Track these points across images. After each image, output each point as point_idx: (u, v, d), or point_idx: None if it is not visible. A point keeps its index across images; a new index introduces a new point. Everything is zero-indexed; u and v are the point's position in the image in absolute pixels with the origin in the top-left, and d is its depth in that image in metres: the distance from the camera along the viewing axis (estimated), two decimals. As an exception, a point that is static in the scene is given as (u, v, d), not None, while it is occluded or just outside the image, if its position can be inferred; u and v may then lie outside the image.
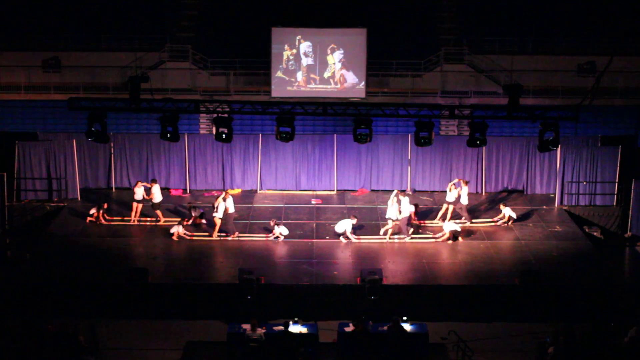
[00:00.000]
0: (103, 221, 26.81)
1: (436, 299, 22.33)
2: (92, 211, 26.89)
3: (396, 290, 22.33)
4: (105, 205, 27.14)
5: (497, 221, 27.11)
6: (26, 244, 25.27)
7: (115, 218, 27.21)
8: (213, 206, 25.95)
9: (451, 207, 26.82)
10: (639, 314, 20.59)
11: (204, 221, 26.80)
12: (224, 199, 25.65)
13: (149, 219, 27.12)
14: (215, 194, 27.84)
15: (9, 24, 30.69)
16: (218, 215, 25.61)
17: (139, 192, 26.86)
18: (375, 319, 20.19)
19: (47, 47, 30.03)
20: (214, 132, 22.59)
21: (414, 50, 30.49)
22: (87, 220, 26.82)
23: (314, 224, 27.21)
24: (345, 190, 30.51)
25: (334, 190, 30.45)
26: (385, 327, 19.50)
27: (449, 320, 21.31)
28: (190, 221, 26.66)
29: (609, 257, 25.26)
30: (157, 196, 26.76)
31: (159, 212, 26.88)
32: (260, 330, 19.31)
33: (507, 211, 26.95)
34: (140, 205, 26.96)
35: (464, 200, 26.85)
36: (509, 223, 26.95)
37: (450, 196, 26.74)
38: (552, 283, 22.58)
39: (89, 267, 23.49)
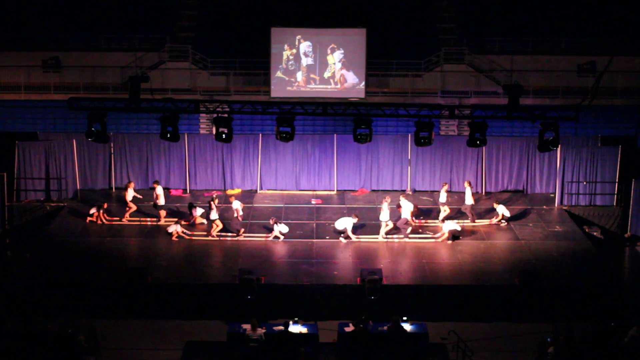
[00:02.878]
0: (104, 221, 26.81)
1: (436, 299, 22.35)
2: (92, 211, 26.90)
3: (396, 290, 22.34)
4: (105, 205, 27.15)
5: (492, 220, 27.09)
6: (26, 244, 25.27)
7: (115, 218, 27.21)
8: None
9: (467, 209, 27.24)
10: (639, 314, 20.59)
11: (204, 221, 26.82)
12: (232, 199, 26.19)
13: (149, 219, 27.14)
14: (215, 194, 27.80)
15: (9, 24, 30.67)
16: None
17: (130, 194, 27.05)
18: (375, 319, 20.21)
19: (47, 47, 30.01)
20: (214, 132, 22.61)
21: (414, 50, 30.47)
22: (87, 220, 26.83)
23: (314, 224, 27.21)
24: (345, 190, 30.50)
25: (334, 190, 30.45)
26: (385, 327, 19.52)
27: (449, 320, 21.32)
28: (191, 221, 26.69)
29: (609, 257, 25.26)
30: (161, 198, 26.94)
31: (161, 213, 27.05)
32: (260, 330, 19.33)
33: (500, 209, 26.90)
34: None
35: (442, 199, 27.17)
36: (503, 221, 26.92)
37: (468, 198, 27.02)
38: (552, 283, 22.60)
39: (89, 267, 23.50)
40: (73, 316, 20.78)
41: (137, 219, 27.19)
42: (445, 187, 27.28)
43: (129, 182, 27.82)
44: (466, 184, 27.29)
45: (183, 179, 30.23)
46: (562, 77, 29.30)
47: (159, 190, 26.79)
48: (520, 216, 27.93)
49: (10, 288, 22.25)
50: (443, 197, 27.07)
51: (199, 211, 26.87)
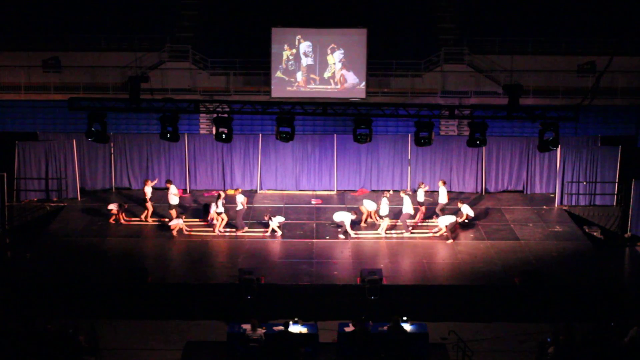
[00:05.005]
0: (122, 221, 26.81)
1: (436, 299, 22.33)
2: (112, 207, 26.83)
3: (396, 290, 22.33)
4: (126, 206, 27.18)
5: (457, 220, 26.96)
6: (26, 244, 25.27)
7: (133, 219, 27.17)
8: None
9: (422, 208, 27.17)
10: (639, 314, 20.59)
11: (218, 219, 26.87)
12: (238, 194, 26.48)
13: (159, 218, 27.19)
14: (216, 194, 27.82)
15: (9, 24, 30.68)
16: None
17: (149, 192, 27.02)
18: (375, 319, 20.21)
19: (47, 47, 30.05)
20: (214, 132, 22.61)
21: (414, 50, 30.50)
22: (111, 220, 26.75)
23: (314, 224, 27.22)
24: (345, 190, 30.52)
25: (334, 190, 30.46)
26: (385, 327, 19.51)
27: (449, 320, 21.32)
28: (209, 220, 26.70)
29: (609, 257, 25.25)
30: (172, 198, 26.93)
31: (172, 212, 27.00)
32: (260, 330, 19.32)
33: (465, 209, 26.65)
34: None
35: (420, 199, 27.11)
36: (467, 221, 26.77)
37: (442, 197, 26.96)
38: (552, 283, 22.59)
39: (89, 267, 23.50)
40: (73, 316, 20.78)
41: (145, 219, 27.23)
42: (423, 187, 27.23)
43: (146, 179, 27.64)
44: (440, 183, 27.21)
45: (183, 179, 30.22)
46: (562, 77, 29.31)
47: (173, 189, 26.80)
48: (520, 216, 27.93)
49: (10, 288, 22.25)
50: (421, 196, 27.02)
51: (212, 208, 26.83)
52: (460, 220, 26.75)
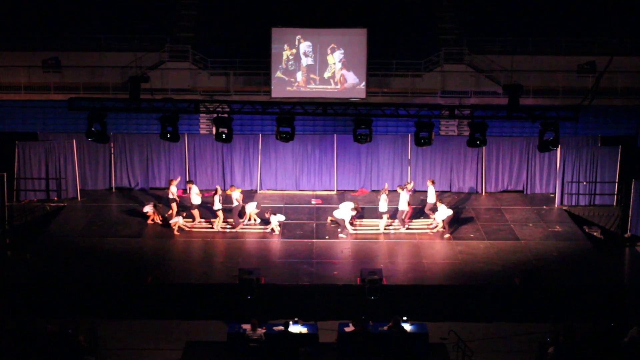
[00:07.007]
0: (158, 221, 26.83)
1: (436, 299, 22.33)
2: (147, 209, 26.84)
3: (396, 290, 22.33)
4: (161, 205, 27.19)
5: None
6: (26, 244, 25.27)
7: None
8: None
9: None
10: (639, 314, 20.59)
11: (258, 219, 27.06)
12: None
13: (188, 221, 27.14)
14: (217, 186, 27.80)
15: (9, 24, 30.68)
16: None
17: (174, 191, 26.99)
18: (375, 319, 20.21)
19: (47, 47, 30.03)
20: (214, 132, 22.61)
21: (414, 50, 30.48)
22: (149, 221, 26.77)
23: (314, 224, 27.21)
24: (345, 190, 30.50)
25: (334, 190, 30.45)
26: (385, 327, 19.52)
27: (449, 320, 21.32)
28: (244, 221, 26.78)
29: (609, 257, 25.25)
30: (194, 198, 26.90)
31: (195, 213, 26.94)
32: (260, 330, 19.34)
33: (442, 208, 26.40)
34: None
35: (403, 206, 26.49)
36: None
37: (430, 197, 26.87)
38: (552, 283, 22.59)
39: (89, 267, 23.49)
40: (73, 316, 20.77)
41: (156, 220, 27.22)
42: (409, 186, 27.19)
43: (171, 179, 27.48)
44: (429, 183, 27.14)
45: (183, 179, 30.16)
46: (562, 77, 29.31)
47: (195, 189, 26.78)
48: (520, 216, 27.92)
49: (10, 288, 22.24)
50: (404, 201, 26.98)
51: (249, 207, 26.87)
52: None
